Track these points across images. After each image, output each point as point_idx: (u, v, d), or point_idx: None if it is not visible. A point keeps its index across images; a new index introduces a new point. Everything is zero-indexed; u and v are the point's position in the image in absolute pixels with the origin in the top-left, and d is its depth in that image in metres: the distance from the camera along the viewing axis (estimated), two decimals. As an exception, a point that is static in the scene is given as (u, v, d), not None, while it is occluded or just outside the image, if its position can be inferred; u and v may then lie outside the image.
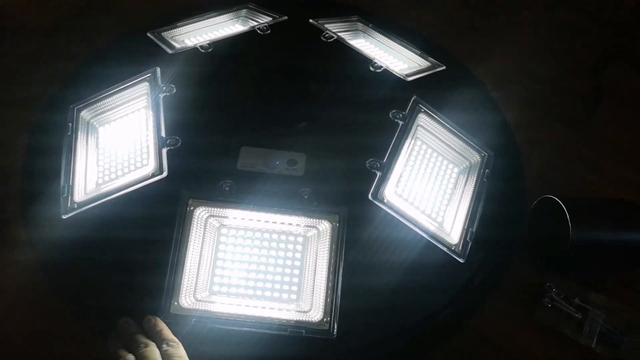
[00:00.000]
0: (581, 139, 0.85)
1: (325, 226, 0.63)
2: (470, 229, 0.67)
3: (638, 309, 0.67)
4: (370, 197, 0.65)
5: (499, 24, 1.01)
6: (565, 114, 0.88)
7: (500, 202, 0.71)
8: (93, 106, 0.73)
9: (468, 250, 0.66)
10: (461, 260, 0.65)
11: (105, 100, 0.73)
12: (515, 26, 1.01)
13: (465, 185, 0.72)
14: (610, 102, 0.90)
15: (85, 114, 0.73)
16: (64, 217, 0.65)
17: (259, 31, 0.82)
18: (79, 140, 0.71)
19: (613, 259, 0.69)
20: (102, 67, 0.80)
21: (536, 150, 0.83)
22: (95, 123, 0.73)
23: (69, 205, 0.65)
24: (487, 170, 0.72)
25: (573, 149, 0.84)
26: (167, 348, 0.54)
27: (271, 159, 0.67)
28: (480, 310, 0.67)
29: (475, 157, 0.74)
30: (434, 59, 0.85)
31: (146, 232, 0.63)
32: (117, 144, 0.71)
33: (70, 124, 0.71)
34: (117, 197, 0.65)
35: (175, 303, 0.59)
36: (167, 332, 0.56)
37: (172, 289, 0.59)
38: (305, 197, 0.64)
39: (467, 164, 0.74)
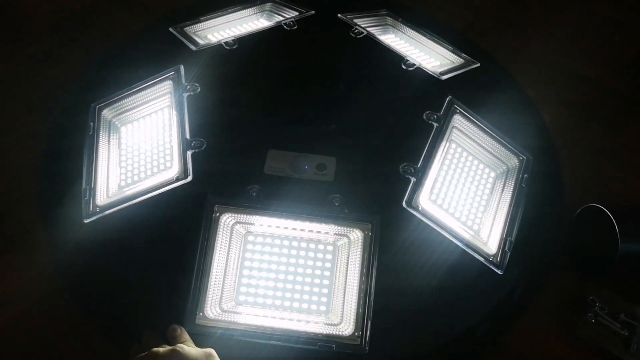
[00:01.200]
0: (621, 140, 0.81)
1: (356, 235, 0.60)
2: (508, 238, 0.64)
3: (686, 324, 0.64)
4: (404, 204, 0.62)
5: (533, 18, 0.97)
6: (605, 113, 0.84)
7: (539, 209, 0.68)
8: (115, 105, 0.71)
9: (507, 261, 0.62)
10: (499, 272, 0.62)
11: (128, 99, 0.71)
12: (550, 20, 0.97)
13: (502, 190, 0.68)
14: (652, 100, 0.86)
15: (106, 113, 0.71)
16: (85, 221, 0.63)
17: (285, 27, 0.79)
18: (100, 141, 0.69)
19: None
20: (122, 65, 0.78)
21: (575, 152, 0.79)
22: (117, 122, 0.71)
23: (90, 209, 0.63)
24: (525, 175, 0.69)
25: (613, 151, 0.80)
26: None
27: (300, 162, 0.64)
28: (519, 325, 0.63)
29: (513, 161, 0.70)
30: (467, 55, 0.81)
31: (170, 238, 0.61)
32: (140, 145, 0.69)
33: (91, 124, 0.69)
34: (140, 201, 0.62)
35: (201, 314, 0.57)
36: (190, 344, 0.54)
37: (198, 299, 0.57)
38: (336, 203, 0.61)
39: (505, 168, 0.70)
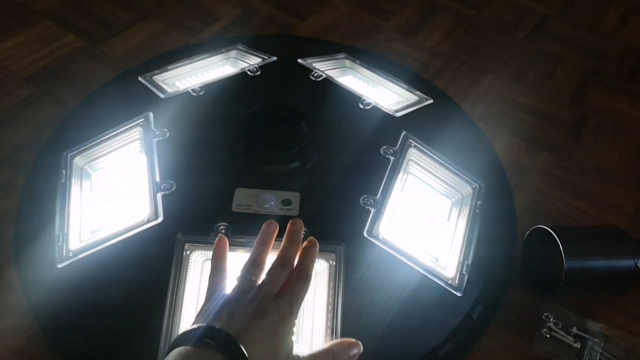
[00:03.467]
0: (568, 166, 0.87)
1: (322, 265, 0.63)
2: (465, 262, 0.67)
3: (634, 333, 0.68)
4: (365, 234, 0.65)
5: (482, 55, 1.04)
6: (552, 142, 0.90)
7: (493, 233, 0.72)
8: (86, 152, 0.74)
9: (465, 283, 0.66)
10: (458, 294, 0.65)
11: (99, 146, 0.74)
12: (498, 59, 1.04)
13: (458, 217, 0.73)
14: (593, 127, 0.93)
15: (78, 161, 0.73)
16: (59, 266, 0.64)
17: (249, 72, 0.84)
18: (72, 187, 0.71)
19: (604, 284, 0.69)
20: (94, 113, 0.82)
21: (525, 178, 0.84)
22: (88, 169, 0.74)
23: (64, 253, 0.65)
24: (478, 202, 0.73)
25: (560, 176, 0.85)
26: None
27: (265, 199, 0.67)
28: (479, 343, 0.66)
29: (467, 189, 0.75)
30: (421, 92, 0.87)
31: (142, 278, 0.63)
32: (112, 189, 0.71)
33: (63, 171, 0.71)
34: (113, 244, 0.64)
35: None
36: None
37: (170, 338, 0.58)
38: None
39: (459, 196, 0.75)
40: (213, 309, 0.50)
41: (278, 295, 0.52)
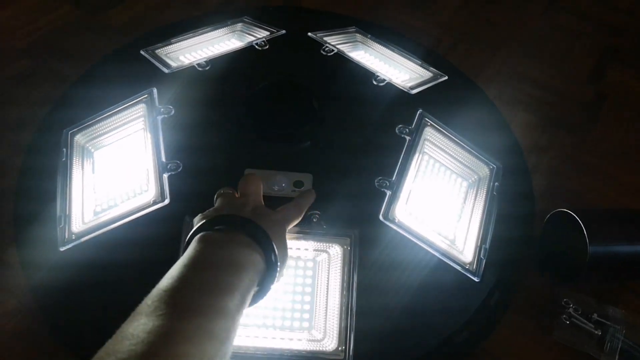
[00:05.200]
0: (585, 146, 0.84)
1: (336, 250, 0.61)
2: (483, 246, 0.65)
3: (656, 320, 0.66)
4: (381, 217, 0.63)
5: (497, 31, 1.00)
6: (568, 120, 0.87)
7: (511, 215, 0.70)
8: (88, 130, 0.70)
9: (482, 268, 0.64)
10: (476, 279, 0.63)
11: (101, 124, 0.71)
12: (514, 34, 1.00)
13: (475, 199, 0.70)
14: (611, 106, 0.90)
15: (79, 138, 0.70)
16: (61, 249, 0.62)
17: (257, 46, 0.80)
18: (74, 166, 0.68)
19: (628, 269, 0.67)
20: (94, 88, 0.78)
21: (543, 159, 0.82)
22: (90, 147, 0.70)
23: (66, 236, 0.62)
24: (496, 184, 0.71)
25: (578, 156, 0.83)
26: None
27: (276, 180, 0.64)
28: (497, 329, 0.65)
29: (484, 170, 0.72)
30: (435, 68, 0.84)
31: (148, 261, 0.60)
32: (115, 169, 0.68)
33: (64, 150, 0.68)
34: (117, 227, 0.62)
35: (183, 337, 0.56)
36: None
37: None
38: (314, 220, 0.62)
39: (476, 177, 0.72)
40: (217, 208, 0.53)
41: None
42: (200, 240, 0.48)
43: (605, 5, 1.07)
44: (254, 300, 0.50)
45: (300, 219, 0.58)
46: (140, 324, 0.38)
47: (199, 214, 0.53)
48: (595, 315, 0.64)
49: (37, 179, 0.69)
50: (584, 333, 0.63)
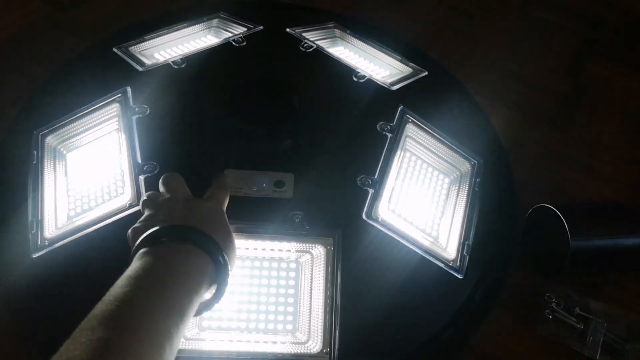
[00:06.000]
0: (566, 139, 0.84)
1: (319, 250, 0.60)
2: (466, 242, 0.65)
3: (637, 311, 0.67)
4: (364, 216, 0.62)
5: (476, 25, 1.00)
6: (548, 114, 0.88)
7: (494, 211, 0.70)
8: (59, 131, 0.68)
9: (466, 265, 0.63)
10: (459, 276, 0.63)
11: (73, 124, 0.68)
12: (493, 28, 1.00)
13: (457, 196, 0.70)
14: (591, 99, 0.90)
15: (51, 140, 0.68)
16: (34, 255, 0.59)
17: (234, 43, 0.78)
18: (45, 169, 0.65)
19: (609, 263, 0.68)
20: (66, 88, 0.75)
21: (524, 153, 0.82)
22: (62, 149, 0.68)
23: (39, 242, 0.60)
24: (477, 179, 0.70)
25: (559, 150, 0.83)
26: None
27: (257, 181, 0.63)
28: (482, 326, 0.64)
29: (466, 166, 0.72)
30: (415, 64, 0.83)
31: (125, 267, 0.58)
32: (89, 172, 0.66)
33: (34, 152, 0.66)
34: (92, 231, 0.60)
35: (163, 344, 0.54)
36: None
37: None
38: (296, 220, 0.61)
39: (458, 173, 0.72)
40: (151, 218, 0.50)
41: None
42: (142, 257, 0.45)
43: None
44: (211, 305, 0.49)
45: (228, 197, 0.58)
46: (81, 345, 0.36)
47: (132, 227, 0.50)
48: (577, 309, 0.64)
49: (7, 183, 0.66)
50: (566, 327, 0.64)
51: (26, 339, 0.59)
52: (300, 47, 0.78)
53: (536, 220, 0.69)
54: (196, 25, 0.84)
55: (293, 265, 0.60)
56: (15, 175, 0.66)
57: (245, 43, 0.78)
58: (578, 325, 0.63)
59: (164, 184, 0.56)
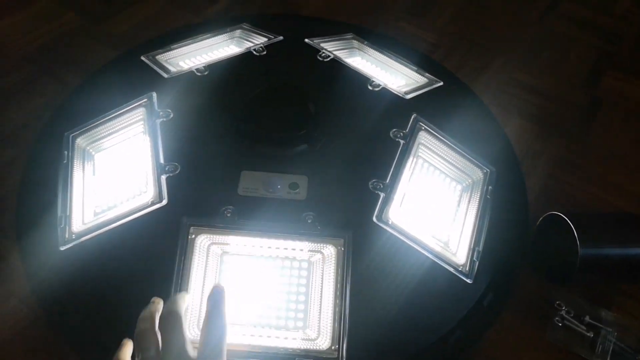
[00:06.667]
0: (580, 150, 0.85)
1: (330, 251, 0.62)
2: (476, 248, 0.66)
3: (648, 322, 0.67)
4: (374, 219, 0.64)
5: (493, 37, 1.02)
6: (563, 125, 0.88)
7: (505, 219, 0.71)
8: (89, 133, 0.72)
9: (475, 270, 0.64)
10: (469, 281, 0.64)
11: (101, 127, 0.72)
12: (509, 40, 1.01)
13: (469, 202, 0.71)
14: (606, 111, 0.91)
15: (80, 141, 0.72)
16: (61, 248, 0.63)
17: (254, 52, 0.81)
18: (75, 169, 0.69)
19: (620, 272, 0.68)
20: (96, 93, 0.79)
21: (537, 163, 0.82)
22: (91, 150, 0.72)
23: (66, 236, 0.64)
24: (489, 187, 0.71)
25: (573, 161, 0.83)
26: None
27: (272, 182, 0.66)
28: (490, 331, 0.65)
29: (478, 174, 0.73)
30: (431, 74, 0.85)
31: (147, 262, 0.62)
32: (115, 171, 0.69)
33: (65, 152, 0.70)
34: (116, 227, 0.63)
35: (179, 335, 0.57)
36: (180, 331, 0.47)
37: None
38: (309, 221, 0.63)
39: (470, 181, 0.73)
40: None
41: None
42: None
43: (600, 11, 1.08)
44: None
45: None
46: None
47: None
48: (587, 318, 0.65)
49: (40, 181, 0.70)
50: (576, 335, 0.64)
51: (53, 326, 0.62)
52: (318, 57, 0.81)
53: (547, 228, 0.70)
54: (220, 36, 0.88)
55: (305, 265, 0.62)
56: (47, 174, 0.70)
57: (265, 52, 0.82)
58: (588, 334, 0.64)
59: (161, 327, 0.48)
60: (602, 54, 1.00)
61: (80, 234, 0.63)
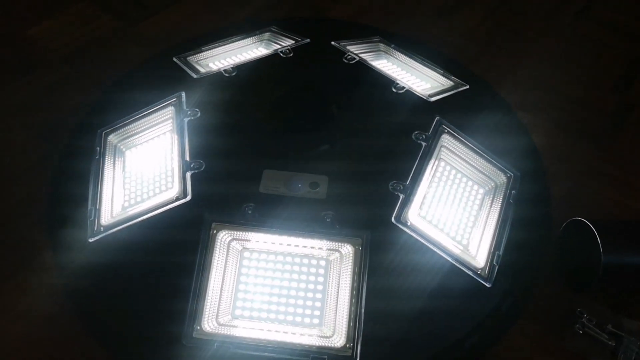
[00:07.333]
0: (608, 157, 0.83)
1: (347, 250, 0.62)
2: (497, 252, 0.66)
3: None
4: (393, 220, 0.64)
5: (521, 41, 1.01)
6: (592, 131, 0.87)
7: (527, 224, 0.70)
8: (120, 130, 0.75)
9: (495, 275, 0.64)
10: (488, 285, 0.63)
11: (132, 125, 0.75)
12: (538, 44, 1.00)
13: (490, 206, 0.71)
14: (637, 117, 0.88)
15: (112, 138, 0.75)
16: (90, 240, 0.66)
17: (281, 54, 0.83)
18: (106, 164, 0.72)
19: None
20: (128, 93, 0.82)
21: (562, 169, 0.81)
22: (122, 147, 0.75)
23: (95, 228, 0.66)
24: (513, 192, 0.71)
25: (600, 167, 0.82)
26: None
27: (293, 181, 0.67)
28: (508, 336, 0.65)
29: (501, 178, 0.72)
30: (457, 77, 0.85)
31: (170, 256, 0.64)
32: (143, 167, 0.72)
33: (98, 148, 0.73)
34: (142, 221, 0.65)
35: (198, 327, 0.59)
36: None
37: (195, 314, 0.59)
38: (328, 220, 0.64)
39: (493, 185, 0.72)
40: None
41: None
42: None
43: (632, 17, 1.05)
44: None
45: None
46: None
47: None
48: (609, 326, 0.63)
49: (73, 175, 0.73)
50: (597, 343, 0.63)
51: (81, 315, 0.65)
52: (344, 59, 0.82)
53: (570, 234, 0.69)
54: (249, 38, 0.90)
55: (322, 263, 0.63)
56: (80, 169, 0.73)
57: (292, 54, 0.83)
58: (610, 343, 0.62)
59: None
60: (634, 60, 0.97)
61: (108, 227, 0.66)
